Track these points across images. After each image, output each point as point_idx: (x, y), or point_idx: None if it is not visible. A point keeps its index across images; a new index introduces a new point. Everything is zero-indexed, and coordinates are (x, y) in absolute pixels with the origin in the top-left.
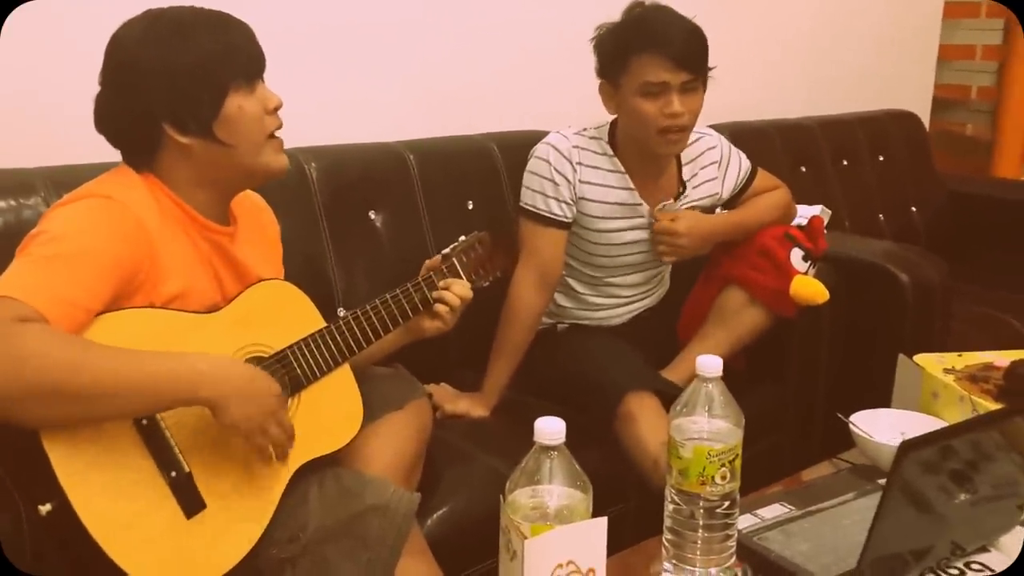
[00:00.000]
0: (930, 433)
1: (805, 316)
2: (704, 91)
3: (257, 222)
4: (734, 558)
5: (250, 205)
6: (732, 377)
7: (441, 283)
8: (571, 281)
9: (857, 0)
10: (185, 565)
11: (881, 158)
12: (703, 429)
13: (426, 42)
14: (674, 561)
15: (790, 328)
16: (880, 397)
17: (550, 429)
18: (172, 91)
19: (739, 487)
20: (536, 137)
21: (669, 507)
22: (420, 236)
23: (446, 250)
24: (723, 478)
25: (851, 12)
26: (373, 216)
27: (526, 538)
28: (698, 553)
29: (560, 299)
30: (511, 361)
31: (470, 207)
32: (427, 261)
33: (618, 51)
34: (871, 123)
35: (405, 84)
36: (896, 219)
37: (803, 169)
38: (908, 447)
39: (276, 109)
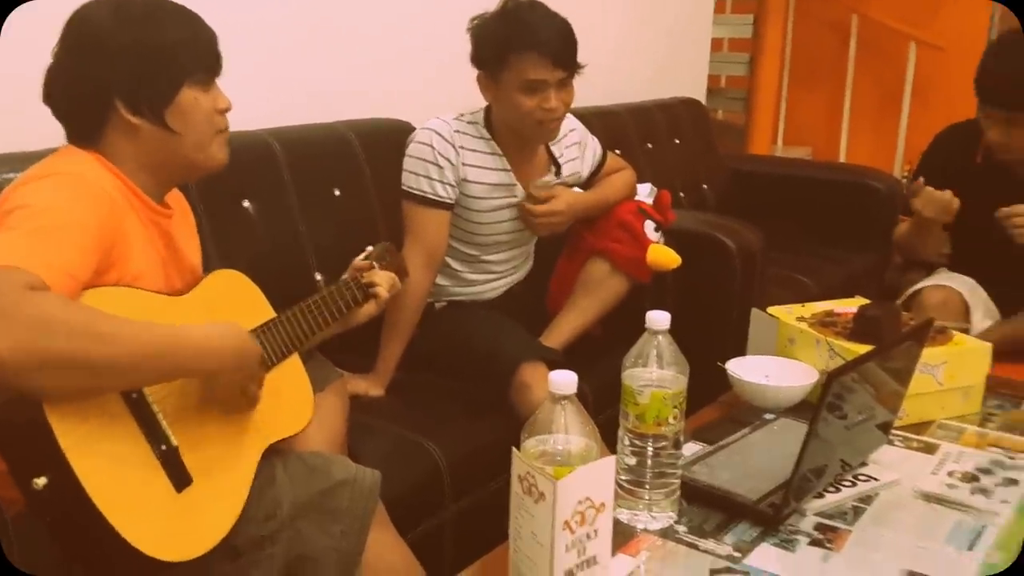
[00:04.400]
0: (849, 362)
1: (654, 283)
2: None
3: (182, 208)
4: (679, 491)
5: (174, 193)
6: (591, 343)
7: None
8: (448, 260)
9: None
10: (179, 538)
11: (677, 141)
12: (654, 377)
13: (280, 32)
14: (629, 500)
15: (641, 294)
16: (722, 347)
17: (564, 381)
18: (132, 69)
19: None
20: (389, 125)
21: (627, 450)
22: (293, 225)
23: (361, 259)
24: (675, 418)
25: (644, 9)
26: (247, 204)
27: (557, 480)
28: (650, 488)
29: (437, 278)
30: (402, 340)
31: (337, 194)
32: (354, 261)
33: (498, 48)
34: (667, 109)
35: (257, 72)
36: (692, 196)
37: (618, 151)
38: (835, 375)
39: (225, 111)
